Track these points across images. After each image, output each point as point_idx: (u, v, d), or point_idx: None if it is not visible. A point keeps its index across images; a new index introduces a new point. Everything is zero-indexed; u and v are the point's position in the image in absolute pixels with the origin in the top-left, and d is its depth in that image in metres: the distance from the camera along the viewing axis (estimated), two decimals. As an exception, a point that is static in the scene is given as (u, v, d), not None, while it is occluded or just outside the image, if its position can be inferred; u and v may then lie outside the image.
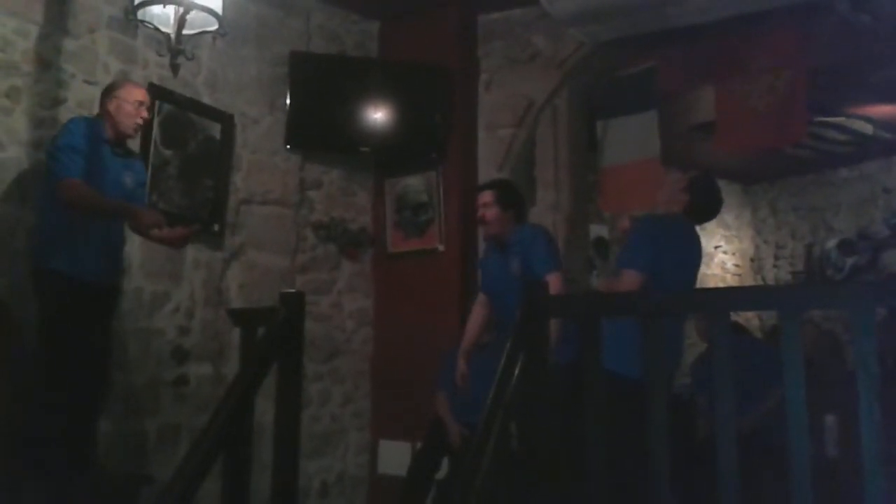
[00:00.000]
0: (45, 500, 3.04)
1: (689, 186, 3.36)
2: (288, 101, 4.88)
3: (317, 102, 4.96)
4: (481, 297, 4.06)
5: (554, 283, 3.40)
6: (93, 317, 3.36)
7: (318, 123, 4.99)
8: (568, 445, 2.42)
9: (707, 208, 3.47)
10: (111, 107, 3.44)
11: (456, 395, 4.37)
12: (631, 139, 5.25)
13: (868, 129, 6.82)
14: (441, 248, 5.06)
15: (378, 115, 5.06)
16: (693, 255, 3.46)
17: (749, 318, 7.34)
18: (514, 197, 3.94)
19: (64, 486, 3.13)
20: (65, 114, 3.68)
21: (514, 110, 5.11)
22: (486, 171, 5.07)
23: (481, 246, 5.00)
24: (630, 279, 3.06)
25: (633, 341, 2.75)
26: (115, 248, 3.54)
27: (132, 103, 3.45)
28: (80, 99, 3.77)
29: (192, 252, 4.31)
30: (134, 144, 3.88)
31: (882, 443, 1.94)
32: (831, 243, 7.98)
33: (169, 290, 4.20)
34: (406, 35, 5.31)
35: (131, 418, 3.96)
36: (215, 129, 4.48)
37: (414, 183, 5.20)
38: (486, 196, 3.90)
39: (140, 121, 3.50)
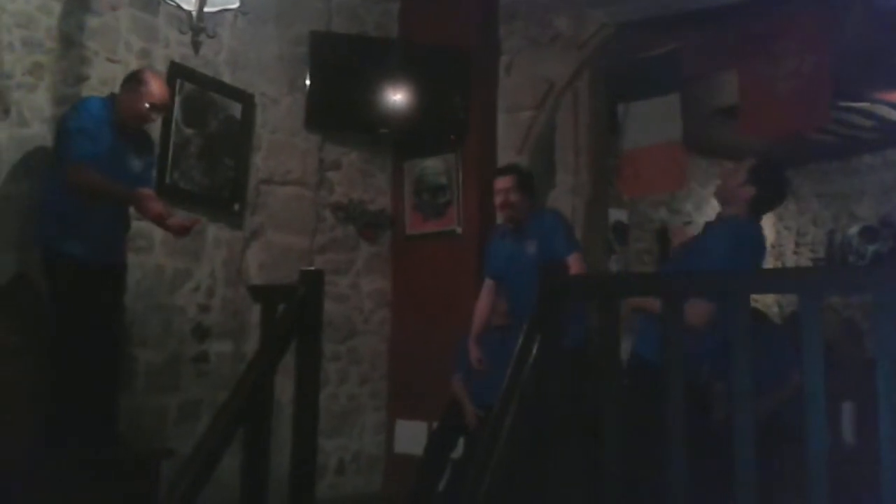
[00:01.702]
0: (66, 475, 3.08)
1: (752, 177, 2.95)
2: (308, 82, 4.88)
3: (337, 83, 4.96)
4: (489, 283, 4.08)
5: (576, 263, 3.45)
6: (102, 296, 3.40)
7: (337, 104, 4.99)
8: (578, 430, 2.43)
9: (776, 196, 3.09)
10: (127, 96, 3.45)
11: (473, 377, 4.40)
12: (652, 123, 5.20)
13: (893, 114, 6.74)
14: (459, 230, 5.06)
15: (398, 97, 5.05)
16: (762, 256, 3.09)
17: (769, 305, 7.30)
18: (531, 182, 3.98)
19: (85, 460, 3.18)
20: (87, 91, 3.71)
21: (534, 92, 5.07)
22: (506, 154, 5.05)
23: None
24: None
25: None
26: (120, 226, 3.57)
27: (147, 103, 3.43)
28: (102, 76, 3.79)
29: (212, 231, 4.34)
30: (153, 126, 3.91)
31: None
32: (853, 230, 7.90)
33: (190, 268, 4.24)
34: (426, 16, 5.28)
35: (153, 394, 4.02)
36: (236, 109, 4.49)
37: (433, 165, 5.20)
38: (508, 181, 3.89)
39: (144, 122, 3.52)
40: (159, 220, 3.41)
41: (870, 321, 3.19)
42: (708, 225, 3.22)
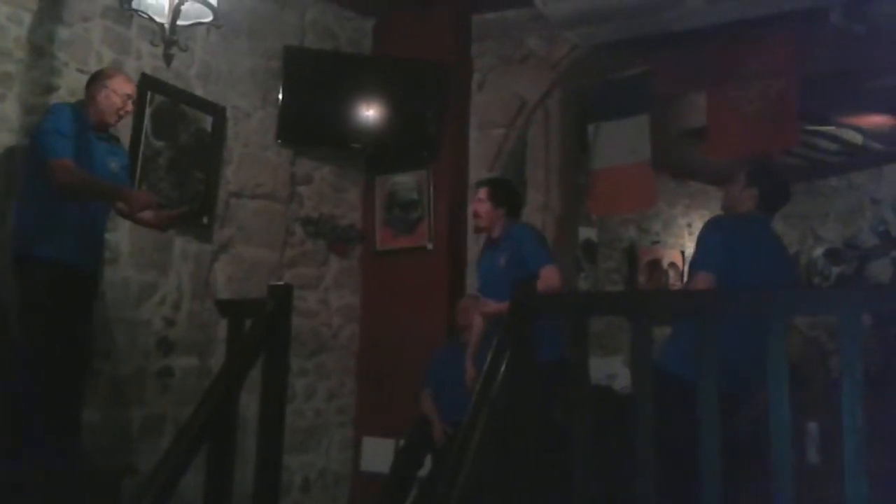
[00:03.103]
0: (27, 489, 3.01)
1: (751, 179, 3.14)
2: (280, 96, 4.87)
3: (309, 98, 4.96)
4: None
5: (551, 275, 3.47)
6: (74, 303, 3.35)
7: (310, 119, 4.99)
8: (549, 442, 2.43)
9: (780, 192, 3.24)
10: (99, 95, 3.41)
11: (442, 394, 4.39)
12: (622, 143, 5.25)
13: (858, 138, 6.86)
14: (429, 246, 5.06)
15: (370, 112, 5.06)
16: (772, 251, 3.15)
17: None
18: (506, 195, 4.00)
19: (47, 474, 3.11)
20: (56, 102, 3.66)
21: (506, 110, 5.12)
22: (477, 170, 5.08)
23: (470, 245, 5.02)
24: (703, 281, 2.92)
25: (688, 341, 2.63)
26: (97, 234, 3.52)
27: (121, 96, 3.42)
28: (72, 87, 3.74)
29: (180, 244, 4.30)
30: (123, 133, 3.87)
31: (863, 449, 1.96)
32: (818, 252, 8.01)
33: (156, 281, 4.18)
34: (400, 33, 5.31)
35: (116, 408, 3.95)
36: (207, 122, 4.46)
37: (404, 181, 5.20)
38: (481, 192, 3.99)
39: (124, 114, 3.49)
40: (146, 215, 3.37)
41: (835, 342, 3.23)
42: None
